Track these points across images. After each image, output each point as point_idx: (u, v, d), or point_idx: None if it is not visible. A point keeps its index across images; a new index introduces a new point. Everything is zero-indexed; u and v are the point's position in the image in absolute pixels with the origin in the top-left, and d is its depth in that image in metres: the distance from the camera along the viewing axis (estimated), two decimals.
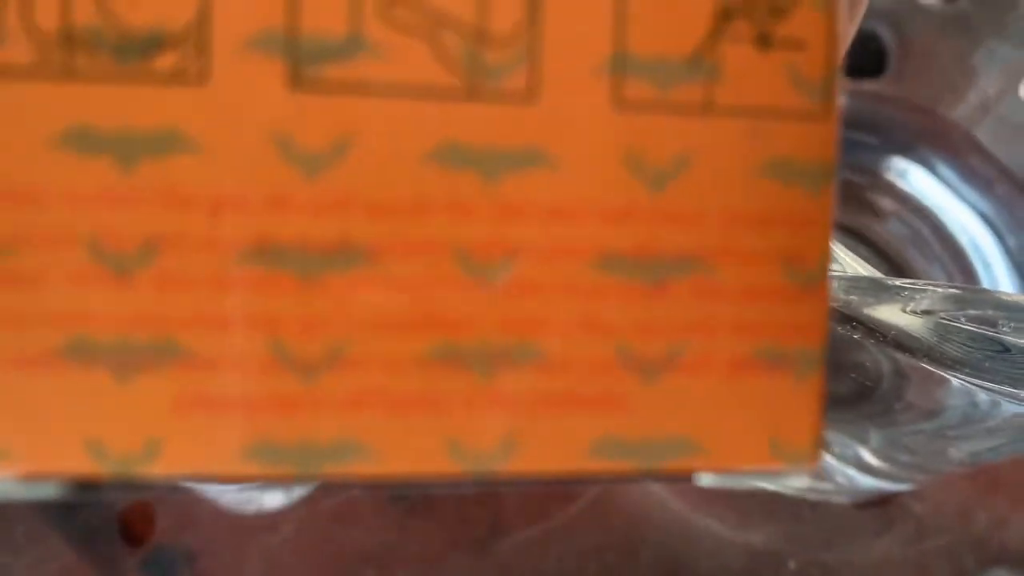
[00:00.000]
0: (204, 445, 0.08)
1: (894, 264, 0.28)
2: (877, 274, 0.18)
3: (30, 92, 0.08)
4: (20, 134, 0.08)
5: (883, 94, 0.29)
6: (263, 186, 0.08)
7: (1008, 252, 0.28)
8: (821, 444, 0.09)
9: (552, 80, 0.09)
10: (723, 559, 0.29)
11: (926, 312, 0.16)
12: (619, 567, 0.29)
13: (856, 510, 0.29)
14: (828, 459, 0.27)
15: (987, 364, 0.16)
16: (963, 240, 0.28)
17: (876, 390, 0.23)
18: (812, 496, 0.29)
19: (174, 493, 0.26)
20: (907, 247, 0.28)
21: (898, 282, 0.17)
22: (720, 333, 0.09)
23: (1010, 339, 0.15)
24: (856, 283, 0.17)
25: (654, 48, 0.09)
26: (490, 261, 0.09)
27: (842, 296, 0.17)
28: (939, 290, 0.16)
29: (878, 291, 0.17)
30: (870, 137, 0.29)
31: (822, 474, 0.28)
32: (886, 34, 0.29)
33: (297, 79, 0.08)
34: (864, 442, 0.26)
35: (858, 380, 0.23)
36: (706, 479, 0.09)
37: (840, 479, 0.28)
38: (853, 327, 0.17)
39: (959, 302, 0.16)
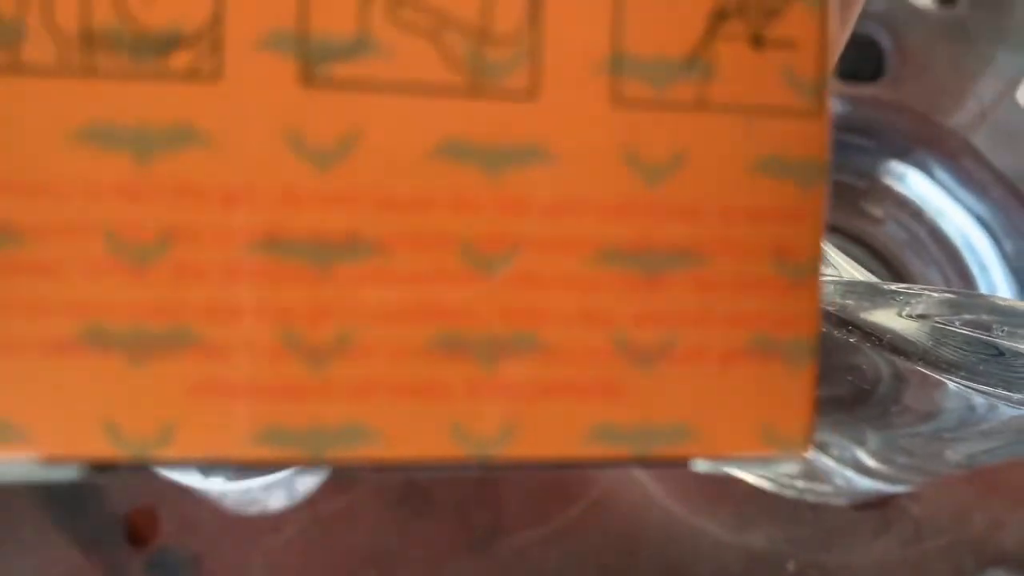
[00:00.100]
0: (216, 429, 0.09)
1: (891, 267, 0.29)
2: (873, 279, 0.18)
3: (51, 89, 0.08)
4: (42, 129, 0.08)
5: (880, 98, 0.29)
6: (275, 180, 0.09)
7: (1004, 256, 0.28)
8: (812, 431, 0.09)
9: (552, 78, 0.09)
10: (722, 560, 0.29)
11: (921, 316, 0.16)
12: (619, 569, 0.29)
13: (854, 512, 0.29)
14: (827, 461, 0.27)
15: (981, 367, 0.16)
16: (960, 244, 0.28)
17: (873, 393, 0.23)
18: (811, 498, 0.29)
19: (183, 495, 0.26)
20: (904, 251, 0.29)
21: (894, 287, 0.17)
22: (714, 323, 0.09)
23: (1004, 343, 0.16)
24: (852, 287, 0.17)
25: (651, 48, 0.09)
26: (492, 253, 0.09)
27: (838, 300, 0.17)
28: (934, 295, 0.16)
29: (874, 295, 0.17)
30: (867, 141, 0.29)
31: (821, 476, 0.28)
32: (884, 39, 0.30)
33: (308, 77, 0.09)
34: (862, 444, 0.26)
35: (855, 383, 0.23)
36: (701, 465, 0.09)
37: (839, 481, 0.28)
38: (849, 331, 0.17)
39: (954, 306, 0.16)
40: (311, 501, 0.28)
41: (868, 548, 0.29)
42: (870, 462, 0.27)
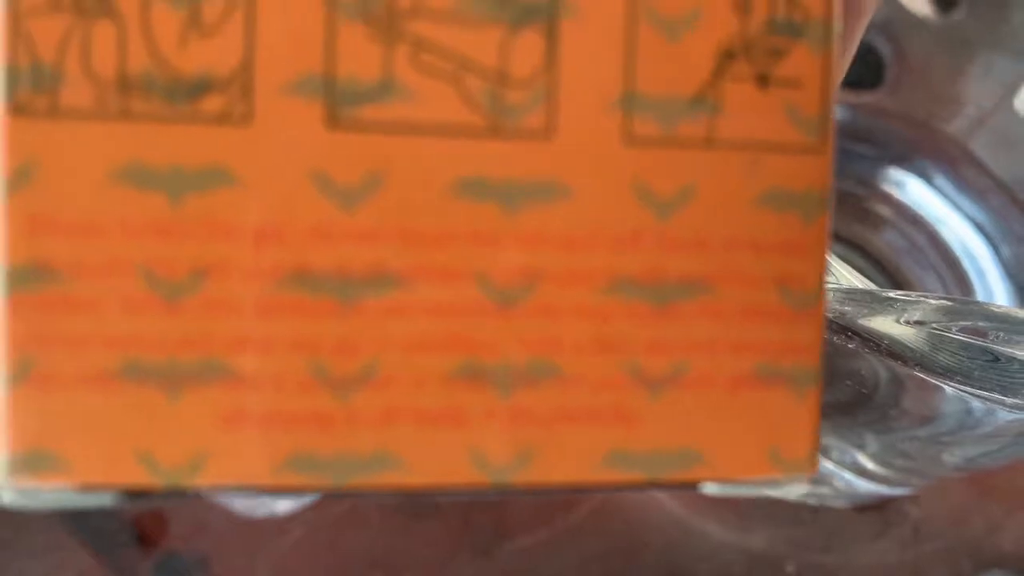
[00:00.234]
0: (246, 458, 0.09)
1: (890, 273, 0.29)
2: (872, 286, 0.19)
3: (89, 132, 0.09)
4: (80, 170, 0.09)
5: (880, 106, 0.29)
6: (302, 218, 0.09)
7: (1002, 262, 0.29)
8: (818, 454, 0.10)
9: (567, 118, 0.09)
10: (723, 562, 0.30)
11: (919, 323, 0.17)
12: (621, 571, 0.29)
13: (854, 513, 0.30)
14: (827, 464, 0.28)
15: (977, 373, 0.17)
16: (958, 250, 0.29)
17: (872, 398, 0.24)
18: (811, 500, 0.30)
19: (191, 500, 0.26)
20: (903, 257, 0.29)
21: (891, 294, 0.17)
22: (722, 351, 0.10)
23: (1000, 348, 0.16)
24: (851, 295, 0.18)
25: (661, 87, 0.10)
26: (510, 286, 0.09)
27: (837, 307, 0.18)
28: (931, 301, 0.17)
29: (872, 302, 0.18)
30: (867, 148, 0.29)
31: (821, 479, 0.28)
32: (883, 46, 0.30)
33: (334, 119, 0.09)
34: (862, 448, 0.27)
35: (855, 388, 0.24)
36: (710, 488, 0.10)
37: (839, 483, 0.28)
38: (848, 337, 0.18)
39: (950, 313, 0.17)
40: (317, 504, 0.29)
41: (867, 549, 0.30)
42: (869, 465, 0.28)
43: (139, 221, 0.09)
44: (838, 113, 0.29)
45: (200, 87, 0.09)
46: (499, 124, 0.09)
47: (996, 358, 0.16)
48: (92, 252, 0.09)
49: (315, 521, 0.28)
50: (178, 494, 0.09)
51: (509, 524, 0.29)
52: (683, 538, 0.29)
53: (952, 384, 0.18)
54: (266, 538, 0.28)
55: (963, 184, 0.29)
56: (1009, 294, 0.28)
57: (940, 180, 0.29)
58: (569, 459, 0.09)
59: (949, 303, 0.17)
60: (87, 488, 0.09)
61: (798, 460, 0.10)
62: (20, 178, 0.09)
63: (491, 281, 0.09)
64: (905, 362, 0.17)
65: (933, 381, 0.18)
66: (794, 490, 0.10)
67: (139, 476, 0.09)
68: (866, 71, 0.30)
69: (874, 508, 0.30)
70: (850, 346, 0.18)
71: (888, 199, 0.29)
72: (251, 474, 0.09)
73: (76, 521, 0.28)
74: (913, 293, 0.17)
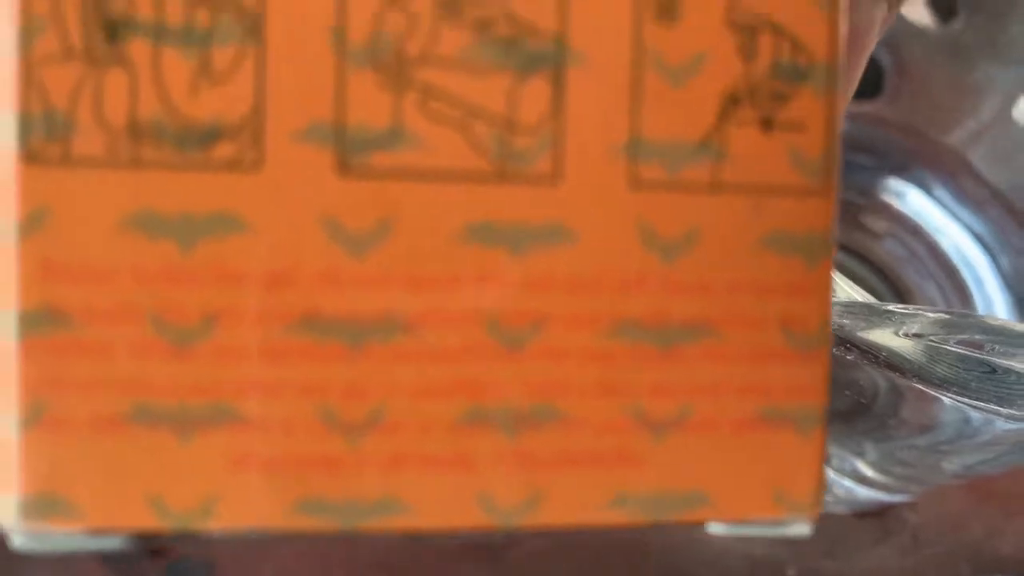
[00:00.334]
0: (257, 501, 0.09)
1: (890, 282, 0.29)
2: (871, 299, 0.19)
3: (101, 179, 0.09)
4: (92, 217, 0.09)
5: (879, 116, 0.29)
6: (312, 264, 0.09)
7: (1000, 271, 0.29)
8: (822, 494, 0.10)
9: (574, 163, 0.10)
10: (725, 567, 0.30)
11: (917, 335, 0.17)
12: (626, 575, 0.29)
13: (854, 519, 0.30)
14: (827, 471, 0.28)
15: (974, 384, 0.17)
16: (956, 259, 0.29)
17: (871, 407, 0.24)
18: None
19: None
20: (903, 265, 0.29)
21: (890, 307, 0.18)
22: (726, 393, 0.10)
23: (997, 360, 0.16)
24: (850, 308, 0.18)
25: (666, 133, 0.10)
26: (517, 329, 0.10)
27: (837, 320, 0.18)
28: (929, 315, 0.17)
29: (871, 315, 0.18)
30: (867, 159, 0.30)
31: None
32: (883, 56, 0.30)
33: (344, 166, 0.09)
34: (861, 456, 0.27)
35: (854, 397, 0.24)
36: (715, 528, 0.10)
37: (839, 490, 0.28)
38: (847, 349, 0.18)
39: (948, 326, 0.17)
40: None
41: (867, 555, 0.30)
42: (869, 472, 0.28)
43: (150, 267, 0.09)
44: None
45: (211, 134, 0.09)
46: (506, 169, 0.09)
47: (993, 369, 0.16)
48: (103, 298, 0.09)
49: None
50: (188, 536, 0.09)
51: (514, 532, 0.29)
52: (686, 543, 0.30)
53: (949, 395, 0.18)
54: (273, 547, 0.28)
55: (962, 194, 0.29)
56: (1007, 304, 0.29)
57: (939, 190, 0.29)
58: (576, 502, 0.10)
59: (947, 316, 0.17)
60: (97, 531, 0.09)
61: (802, 501, 0.10)
62: (33, 224, 0.09)
63: (498, 324, 0.09)
64: (903, 373, 0.18)
65: (931, 392, 0.18)
66: (798, 529, 0.10)
67: (149, 519, 0.09)
68: (865, 81, 0.30)
69: (874, 514, 0.30)
70: (849, 357, 0.18)
71: (888, 209, 0.29)
72: (261, 517, 0.09)
73: None
74: (911, 306, 0.18)
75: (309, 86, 0.09)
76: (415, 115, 0.09)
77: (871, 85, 0.30)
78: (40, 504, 0.09)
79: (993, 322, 0.19)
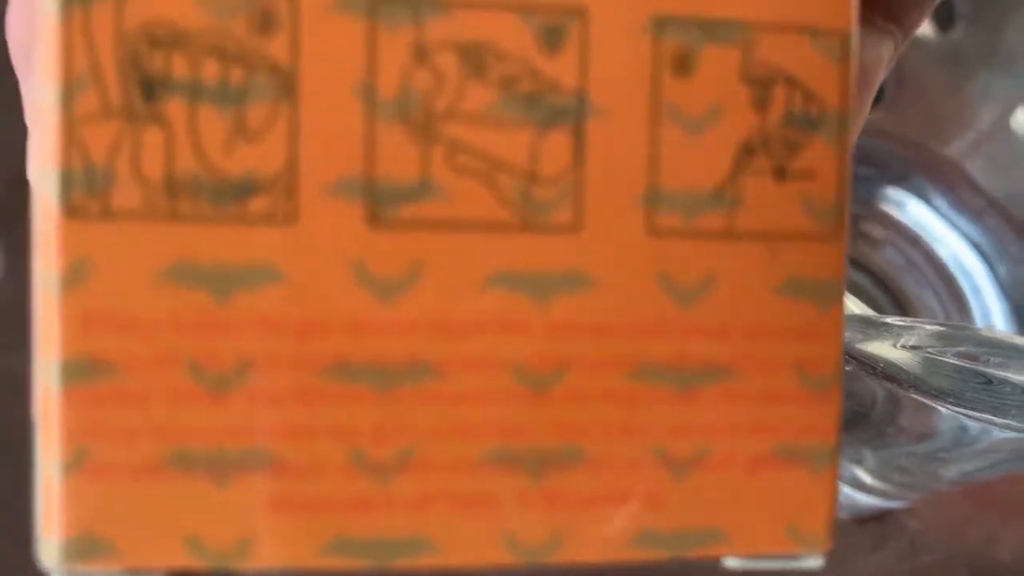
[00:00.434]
0: (290, 542, 0.10)
1: (889, 290, 0.30)
2: (869, 312, 0.19)
3: (139, 232, 0.09)
4: (131, 269, 0.09)
5: (879, 126, 0.30)
6: (344, 312, 0.10)
7: (998, 279, 0.29)
8: (833, 528, 0.10)
9: (594, 213, 0.10)
10: (726, 573, 0.30)
11: (914, 347, 0.17)
12: None
13: (854, 525, 0.30)
14: None
15: (970, 394, 0.17)
16: (954, 268, 0.29)
17: (869, 416, 0.24)
18: None
19: None
20: (901, 274, 0.30)
21: (887, 319, 0.18)
22: (743, 433, 0.10)
23: (993, 372, 0.17)
24: (848, 321, 0.18)
25: (683, 182, 0.10)
26: (541, 373, 0.10)
27: None
28: (926, 327, 0.17)
29: (868, 328, 0.18)
30: (866, 169, 0.30)
31: None
32: None
33: (374, 218, 0.10)
34: (860, 463, 0.27)
35: (852, 407, 0.24)
36: (732, 562, 0.10)
37: (839, 497, 0.29)
38: (846, 360, 0.18)
39: (944, 339, 0.17)
40: None
41: (867, 561, 0.30)
42: (868, 479, 0.28)
43: (187, 317, 0.09)
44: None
45: (246, 189, 0.09)
46: (530, 220, 0.10)
47: (989, 381, 0.17)
48: (142, 347, 0.09)
49: None
50: (223, 575, 0.10)
51: None
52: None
53: (945, 405, 0.18)
54: None
55: (960, 204, 0.29)
56: (1005, 312, 0.29)
57: (938, 200, 0.30)
58: (598, 540, 0.10)
59: (943, 329, 0.18)
60: (135, 571, 0.10)
61: (815, 536, 0.10)
62: (74, 276, 0.09)
63: (523, 369, 0.10)
64: (901, 384, 0.18)
65: (928, 402, 0.19)
66: (811, 563, 0.10)
67: (186, 560, 0.10)
68: None
69: (873, 520, 0.31)
70: (848, 369, 0.19)
71: (887, 218, 0.30)
72: (295, 557, 0.10)
73: None
74: (908, 319, 0.18)
75: (340, 142, 0.09)
76: (442, 168, 0.10)
77: None
78: (80, 546, 0.09)
79: (988, 335, 0.19)
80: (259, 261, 0.09)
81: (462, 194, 0.10)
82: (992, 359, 0.17)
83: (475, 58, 0.10)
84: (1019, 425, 0.18)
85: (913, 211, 0.30)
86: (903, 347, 0.18)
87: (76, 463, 0.09)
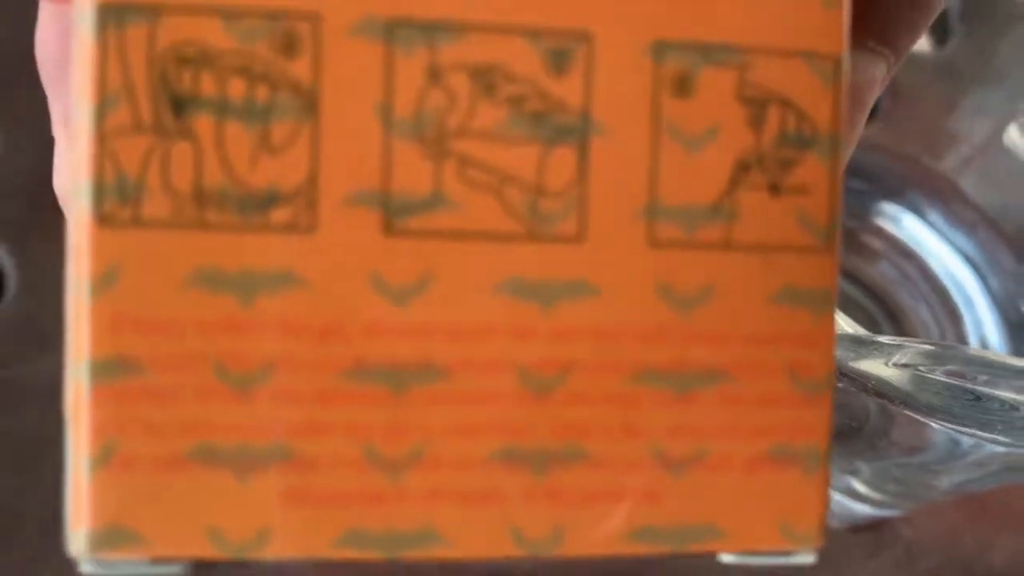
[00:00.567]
0: (307, 533, 0.10)
1: (883, 303, 0.30)
2: (861, 331, 0.20)
3: (168, 239, 0.10)
4: (159, 274, 0.10)
5: (874, 141, 0.30)
6: (361, 316, 0.10)
7: (990, 292, 0.30)
8: (825, 526, 0.11)
9: (597, 224, 0.10)
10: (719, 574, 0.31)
11: (904, 365, 0.18)
12: None
13: (850, 534, 0.31)
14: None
15: (959, 411, 0.18)
16: (947, 281, 0.30)
17: (862, 429, 0.25)
18: None
19: None
20: (895, 287, 0.30)
21: (879, 338, 0.18)
22: (739, 434, 0.11)
23: (982, 389, 0.17)
24: (840, 339, 0.19)
25: (682, 196, 0.11)
26: (545, 376, 0.10)
27: None
28: (916, 346, 0.18)
29: (859, 347, 0.19)
30: (861, 183, 0.30)
31: None
32: None
33: (389, 227, 0.10)
34: (855, 474, 0.28)
35: (845, 421, 0.25)
36: (727, 558, 0.11)
37: (835, 507, 0.29)
38: (839, 378, 0.19)
39: (933, 357, 0.18)
40: None
41: (862, 569, 0.31)
42: (863, 489, 0.29)
43: (212, 320, 0.10)
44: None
45: (269, 200, 0.10)
46: (536, 230, 0.10)
47: (977, 398, 0.17)
48: (169, 347, 0.10)
49: None
50: (243, 565, 0.10)
51: None
52: (689, 558, 0.30)
53: (935, 421, 0.19)
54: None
55: (954, 218, 0.30)
56: (997, 325, 0.29)
57: (932, 215, 0.30)
58: (599, 534, 0.10)
59: (932, 348, 0.18)
60: (159, 560, 0.10)
61: (807, 534, 0.11)
62: (105, 282, 0.10)
63: (528, 371, 0.10)
64: (892, 401, 0.18)
65: (919, 418, 0.19)
66: (803, 559, 0.11)
67: (207, 550, 0.10)
68: None
69: (868, 528, 0.31)
70: (840, 385, 0.19)
71: (881, 232, 0.30)
72: (311, 548, 0.10)
73: None
74: (898, 338, 0.18)
75: (359, 156, 0.10)
76: (454, 181, 0.10)
77: None
78: (108, 536, 0.10)
79: (976, 354, 0.20)
80: (281, 267, 0.10)
81: (472, 206, 0.10)
82: (980, 377, 0.17)
83: (486, 79, 0.10)
84: (1007, 440, 0.19)
85: (907, 225, 0.30)
86: (894, 365, 0.18)
87: (104, 457, 0.10)
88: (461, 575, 0.29)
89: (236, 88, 0.10)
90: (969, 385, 0.18)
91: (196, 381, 0.10)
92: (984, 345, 0.29)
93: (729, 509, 0.11)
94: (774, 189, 0.11)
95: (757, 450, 0.11)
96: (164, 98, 0.10)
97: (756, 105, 0.11)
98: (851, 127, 0.13)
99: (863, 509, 0.29)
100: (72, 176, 0.10)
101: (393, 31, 0.10)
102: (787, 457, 0.11)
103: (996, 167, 0.29)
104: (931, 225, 0.30)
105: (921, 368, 0.18)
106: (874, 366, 0.18)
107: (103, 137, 0.10)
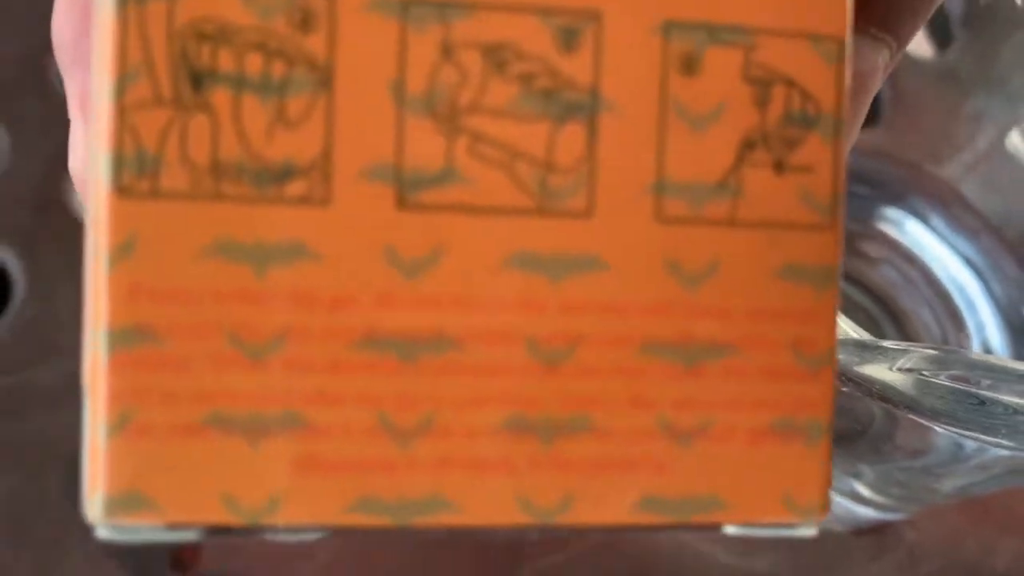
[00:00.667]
0: (319, 500, 0.10)
1: (886, 307, 0.30)
2: (865, 335, 0.20)
3: (185, 211, 0.10)
4: (176, 244, 0.10)
5: (876, 146, 0.30)
6: (373, 287, 0.10)
7: (993, 297, 0.30)
8: (828, 499, 0.11)
9: (606, 200, 0.11)
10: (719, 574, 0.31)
11: (908, 370, 0.18)
12: None
13: (853, 538, 0.31)
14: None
15: (962, 415, 0.18)
16: (950, 286, 0.30)
17: (866, 433, 0.25)
18: None
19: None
20: (898, 291, 0.30)
21: (883, 343, 0.19)
22: (743, 407, 0.11)
23: (985, 393, 0.17)
24: (844, 344, 0.19)
25: (689, 174, 0.11)
26: (554, 348, 0.11)
27: None
28: (920, 351, 0.18)
29: (864, 351, 0.19)
30: (864, 188, 0.31)
31: None
32: (883, 87, 0.31)
33: (402, 201, 0.10)
34: (859, 477, 0.28)
35: (850, 424, 0.25)
36: (731, 529, 0.11)
37: (838, 510, 0.29)
38: (843, 382, 0.19)
39: (937, 362, 0.18)
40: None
41: (865, 572, 0.31)
42: (867, 493, 0.29)
43: (228, 290, 0.10)
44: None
45: (284, 173, 0.10)
46: (546, 205, 0.11)
47: (981, 401, 0.17)
48: (184, 316, 0.10)
49: (342, 546, 0.29)
50: (255, 531, 0.10)
51: (528, 547, 0.30)
52: (692, 561, 0.30)
53: (939, 425, 0.19)
54: (294, 561, 0.29)
55: (956, 224, 0.30)
56: (1000, 329, 0.30)
57: (934, 220, 0.30)
58: (606, 504, 0.11)
59: (936, 352, 0.18)
60: (174, 526, 0.10)
61: (810, 506, 0.11)
62: (123, 252, 0.10)
63: (537, 344, 0.11)
64: (896, 405, 0.19)
65: (923, 422, 0.19)
66: (805, 532, 0.11)
67: (221, 515, 0.10)
68: None
69: (872, 532, 0.31)
70: (844, 390, 0.19)
71: (884, 237, 0.30)
72: (322, 514, 0.10)
73: (114, 545, 0.29)
74: (902, 343, 0.19)
75: (372, 131, 0.10)
76: (465, 157, 0.10)
77: (869, 115, 0.31)
78: (124, 501, 0.10)
79: (979, 358, 0.20)
80: (295, 239, 0.10)
81: (483, 181, 0.10)
82: (984, 381, 0.18)
83: (497, 56, 0.10)
84: (1010, 444, 0.19)
85: (910, 230, 0.30)
86: (898, 369, 0.18)
87: (120, 424, 0.10)
88: (442, 565, 0.29)
89: (253, 63, 0.10)
90: (973, 389, 0.18)
91: (211, 350, 0.10)
92: (987, 350, 0.30)
93: (733, 481, 0.11)
94: (779, 167, 0.11)
95: (761, 423, 0.11)
96: (183, 73, 0.10)
97: (761, 85, 0.11)
98: (854, 114, 0.13)
99: (866, 512, 0.29)
100: (90, 150, 0.10)
101: (407, 8, 0.10)
102: (790, 430, 0.11)
103: (998, 173, 0.30)
104: (934, 230, 0.30)
105: (925, 372, 0.18)
106: (878, 370, 0.19)
107: (122, 111, 0.10)
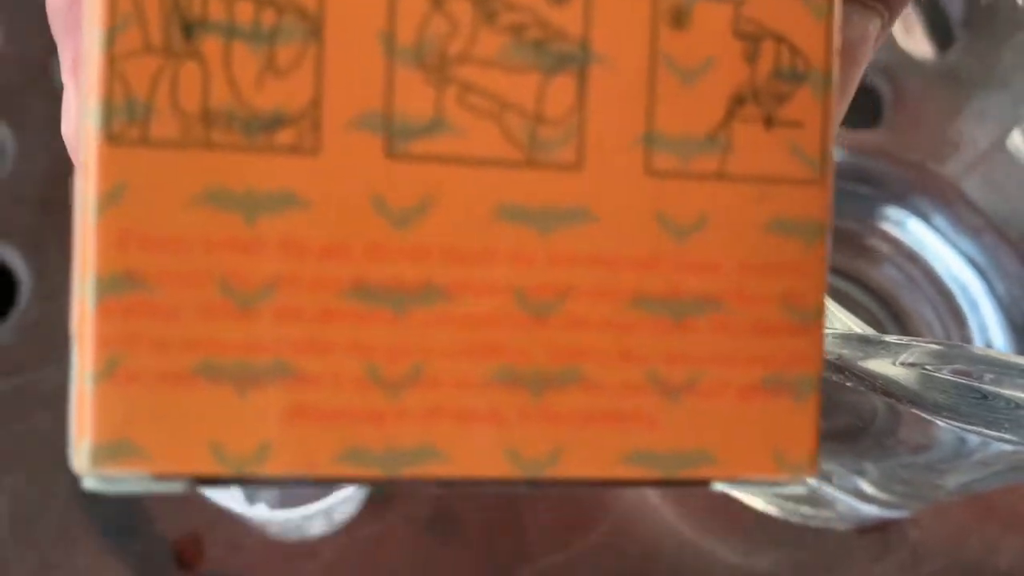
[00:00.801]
0: (307, 450, 0.10)
1: (888, 306, 0.30)
2: (868, 330, 0.20)
3: (175, 159, 0.10)
4: (166, 192, 0.10)
5: (878, 147, 0.30)
6: (362, 237, 0.10)
7: (995, 295, 0.30)
8: (817, 456, 0.11)
9: (595, 152, 0.11)
10: None
11: (911, 364, 0.18)
12: None
13: (856, 536, 0.31)
14: (830, 489, 0.29)
15: (965, 409, 0.18)
16: (952, 285, 0.30)
17: (869, 429, 0.25)
18: (815, 523, 0.31)
19: (228, 523, 0.27)
20: (900, 290, 0.30)
21: (886, 338, 0.19)
22: (733, 362, 0.11)
23: (988, 388, 0.17)
24: (848, 339, 0.19)
25: (679, 127, 0.11)
26: (543, 300, 0.11)
27: (836, 351, 0.19)
28: (923, 346, 0.18)
29: (867, 346, 0.19)
30: (866, 188, 0.31)
31: (825, 503, 0.29)
32: (881, 85, 0.31)
33: (391, 151, 0.10)
34: (862, 474, 0.28)
35: (853, 420, 0.25)
36: (719, 486, 0.11)
37: (842, 508, 0.29)
38: (846, 377, 0.19)
39: (940, 357, 0.18)
40: (347, 528, 0.30)
41: (868, 571, 0.31)
42: (870, 490, 0.29)
43: (217, 238, 0.10)
44: (840, 155, 0.30)
45: (274, 121, 0.10)
46: (535, 157, 0.11)
47: (984, 396, 0.17)
48: (174, 264, 0.10)
49: (345, 544, 0.29)
50: (243, 481, 0.10)
51: (529, 546, 0.30)
52: (693, 561, 0.30)
53: (942, 419, 0.19)
54: (298, 560, 0.29)
55: (958, 223, 0.30)
56: (1002, 327, 0.29)
57: (936, 219, 0.30)
58: (594, 457, 0.11)
59: (939, 347, 0.18)
60: (162, 476, 0.10)
61: (800, 462, 0.11)
62: (111, 199, 0.10)
63: (526, 295, 0.11)
64: (899, 399, 0.19)
65: (926, 416, 0.19)
66: (794, 489, 0.11)
67: (209, 465, 0.10)
68: (864, 110, 0.31)
69: (875, 530, 0.31)
70: (848, 384, 0.19)
71: (886, 236, 0.30)
72: (311, 465, 0.10)
73: (118, 544, 0.29)
74: (905, 338, 0.19)
75: (362, 81, 0.10)
76: (455, 107, 0.10)
77: (870, 115, 0.31)
78: (111, 450, 0.10)
79: (982, 352, 0.20)
80: (285, 188, 0.10)
81: (473, 132, 0.10)
82: (986, 375, 0.18)
83: (487, 7, 0.10)
84: (1013, 438, 0.19)
85: (912, 229, 0.30)
86: (901, 364, 0.18)
87: (107, 371, 0.10)
88: (443, 562, 0.29)
89: (244, 12, 0.10)
90: (976, 384, 0.18)
91: (201, 298, 0.10)
92: (989, 347, 0.30)
93: (722, 436, 0.11)
94: (768, 122, 0.11)
95: (750, 378, 0.11)
96: (174, 21, 0.10)
97: (751, 40, 0.11)
98: (845, 83, 0.13)
99: (870, 510, 0.29)
100: (81, 103, 0.10)
101: None
102: (779, 385, 0.11)
103: (1000, 172, 0.30)
104: (936, 229, 0.30)
105: (928, 367, 0.18)
106: (881, 365, 0.19)
107: (112, 59, 0.10)
